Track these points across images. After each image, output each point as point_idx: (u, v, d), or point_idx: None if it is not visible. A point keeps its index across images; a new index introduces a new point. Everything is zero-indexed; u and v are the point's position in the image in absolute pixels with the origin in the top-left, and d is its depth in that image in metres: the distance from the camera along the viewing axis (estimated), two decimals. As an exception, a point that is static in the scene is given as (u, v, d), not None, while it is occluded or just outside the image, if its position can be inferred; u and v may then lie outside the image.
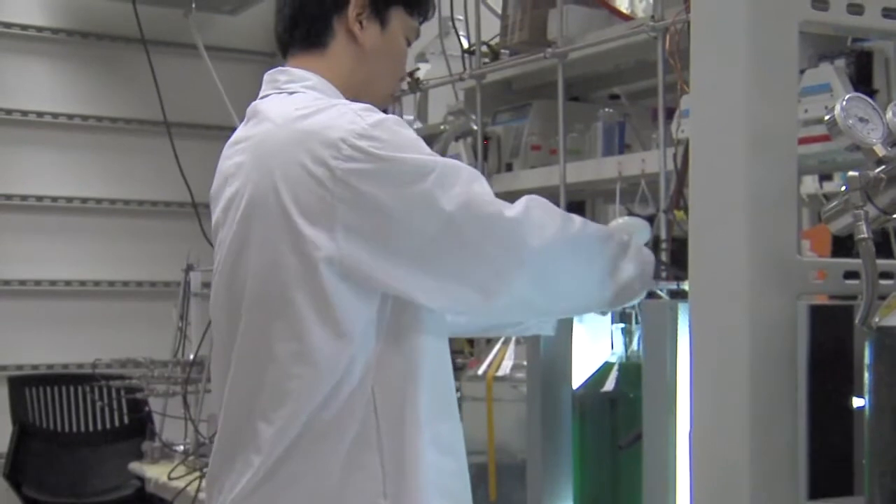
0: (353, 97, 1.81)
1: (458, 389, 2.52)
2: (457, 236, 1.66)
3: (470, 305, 1.74)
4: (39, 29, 4.64)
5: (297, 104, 1.74)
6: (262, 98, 1.83)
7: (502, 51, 2.80)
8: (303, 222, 1.63)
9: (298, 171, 1.64)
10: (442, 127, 3.05)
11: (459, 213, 1.65)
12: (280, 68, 1.86)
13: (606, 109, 2.62)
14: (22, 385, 4.54)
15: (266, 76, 1.86)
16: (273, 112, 1.75)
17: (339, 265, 1.62)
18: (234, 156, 1.79)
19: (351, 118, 1.66)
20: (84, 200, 4.71)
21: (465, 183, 1.67)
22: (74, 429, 4.59)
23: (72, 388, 4.53)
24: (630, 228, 1.94)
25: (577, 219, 1.79)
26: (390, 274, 1.64)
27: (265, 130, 1.73)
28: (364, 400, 1.65)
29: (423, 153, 1.67)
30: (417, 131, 3.41)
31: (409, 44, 1.91)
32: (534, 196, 1.76)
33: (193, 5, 4.30)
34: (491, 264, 1.69)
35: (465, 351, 2.77)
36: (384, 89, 1.91)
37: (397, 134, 1.67)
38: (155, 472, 3.44)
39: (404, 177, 1.63)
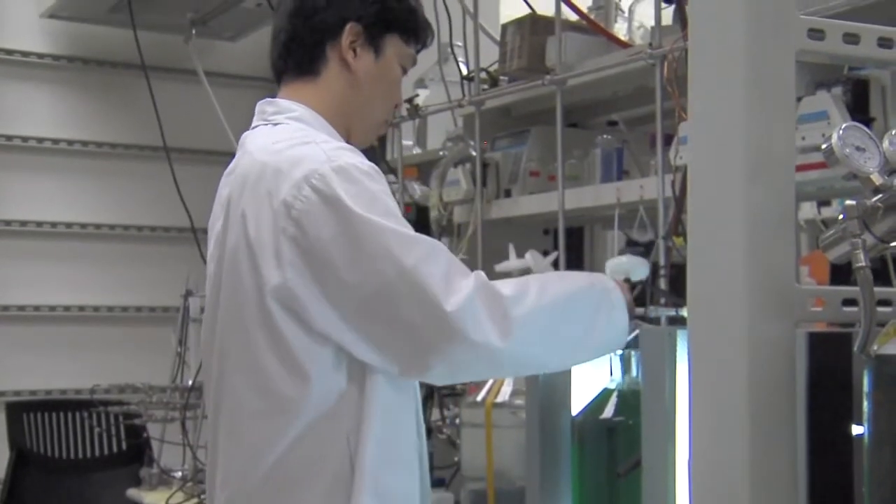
0: (346, 125, 1.83)
1: (447, 419, 2.51)
2: (388, 305, 1.61)
3: (393, 373, 1.68)
4: (40, 55, 4.65)
5: (277, 138, 1.76)
6: (251, 128, 1.85)
7: (501, 77, 2.81)
8: (260, 256, 1.65)
9: (263, 205, 1.66)
10: (441, 153, 3.06)
11: (398, 283, 1.60)
12: (268, 99, 1.87)
13: (605, 136, 2.63)
14: (20, 411, 4.52)
15: (257, 106, 1.87)
16: (254, 145, 1.78)
17: (288, 302, 1.63)
18: (225, 187, 1.81)
19: (320, 159, 1.66)
20: (83, 226, 4.71)
21: (415, 257, 1.61)
22: (72, 455, 4.57)
23: (70, 414, 4.52)
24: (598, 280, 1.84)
25: (527, 297, 1.67)
26: (327, 318, 1.63)
27: (245, 164, 1.76)
28: (323, 443, 1.65)
29: (377, 213, 1.63)
30: (416, 157, 3.44)
31: (404, 71, 1.91)
32: (482, 282, 1.64)
33: (193, 32, 4.32)
34: (415, 344, 1.62)
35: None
36: (378, 116, 1.90)
37: (358, 184, 1.64)
38: (153, 499, 3.42)
39: (351, 231, 1.62)
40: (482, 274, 1.64)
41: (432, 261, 1.61)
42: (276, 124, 1.81)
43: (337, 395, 1.66)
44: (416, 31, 1.89)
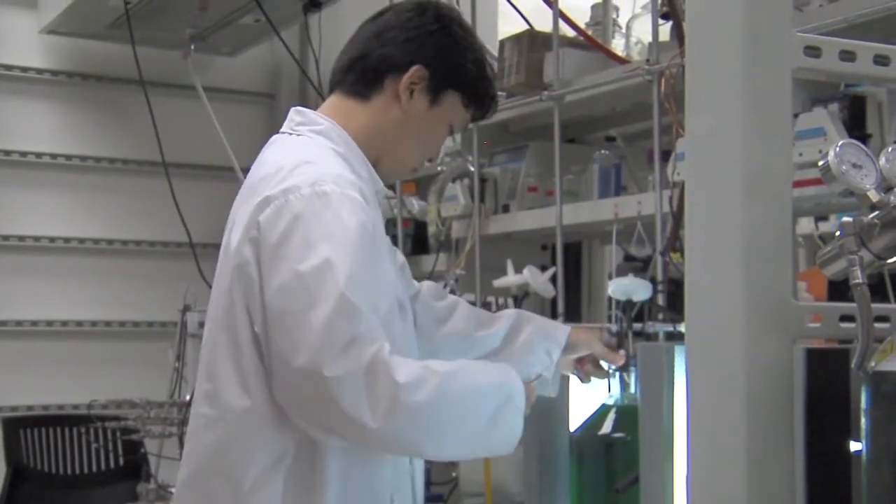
0: (377, 156, 1.83)
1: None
2: (284, 340, 1.59)
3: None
4: (39, 71, 4.66)
5: (287, 152, 1.77)
6: (278, 134, 1.85)
7: (499, 93, 2.81)
8: (231, 258, 1.68)
9: (248, 212, 1.68)
10: (439, 168, 3.07)
11: (300, 324, 1.57)
12: (299, 108, 1.88)
13: (603, 151, 2.64)
14: (17, 426, 4.51)
15: (289, 113, 1.88)
16: (266, 156, 1.79)
17: (248, 306, 1.65)
18: (236, 200, 1.82)
19: (310, 180, 1.66)
20: (81, 241, 4.71)
21: (331, 308, 1.56)
22: (69, 470, 4.55)
23: (67, 430, 4.50)
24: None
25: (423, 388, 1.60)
26: (258, 322, 1.64)
27: (251, 174, 1.77)
28: (272, 485, 1.64)
29: (331, 245, 1.59)
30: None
31: (451, 132, 1.90)
32: (380, 359, 1.57)
33: (192, 47, 4.32)
34: (291, 390, 1.60)
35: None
36: (409, 161, 1.89)
37: (330, 210, 1.62)
38: (150, 515, 3.41)
39: (293, 253, 1.60)
40: (385, 351, 1.57)
41: (343, 323, 1.56)
42: (298, 135, 1.82)
43: (279, 435, 1.65)
44: (479, 98, 1.88)
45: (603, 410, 1.95)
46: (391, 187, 3.19)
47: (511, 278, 2.41)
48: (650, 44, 2.29)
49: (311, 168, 1.69)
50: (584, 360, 1.96)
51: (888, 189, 1.17)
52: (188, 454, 1.74)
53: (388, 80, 1.81)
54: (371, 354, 1.55)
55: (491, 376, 1.71)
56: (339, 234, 1.61)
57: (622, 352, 1.92)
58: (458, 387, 1.65)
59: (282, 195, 1.65)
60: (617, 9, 2.79)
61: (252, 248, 1.65)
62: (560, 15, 2.52)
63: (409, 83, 1.80)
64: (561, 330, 1.96)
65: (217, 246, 1.78)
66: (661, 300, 2.05)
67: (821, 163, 1.19)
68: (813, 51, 1.28)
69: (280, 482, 1.65)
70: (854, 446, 1.21)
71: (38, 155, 4.63)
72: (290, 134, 1.82)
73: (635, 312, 1.97)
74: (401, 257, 1.94)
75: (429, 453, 1.72)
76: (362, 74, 1.83)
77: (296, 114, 1.85)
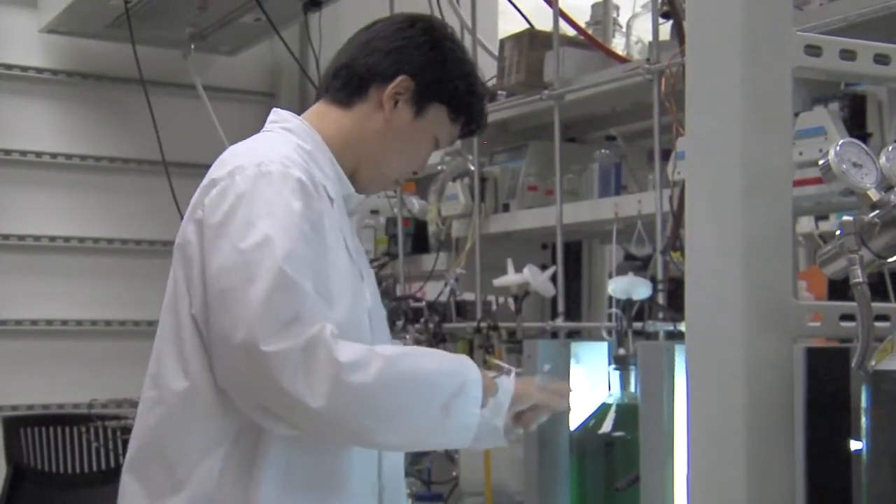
0: (355, 164, 1.82)
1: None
2: (223, 316, 1.58)
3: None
4: (39, 70, 4.65)
5: (248, 141, 1.78)
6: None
7: (499, 92, 2.82)
8: (189, 232, 1.67)
9: (204, 184, 1.70)
10: (439, 167, 3.07)
11: (241, 298, 1.55)
12: (276, 108, 1.88)
13: (603, 150, 2.64)
14: (17, 425, 4.51)
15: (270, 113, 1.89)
16: (230, 147, 1.79)
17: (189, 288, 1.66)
18: None
19: (257, 160, 1.66)
20: (82, 240, 4.71)
21: (270, 283, 1.54)
22: (70, 470, 4.55)
23: (67, 429, 4.50)
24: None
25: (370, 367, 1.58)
26: (197, 301, 1.64)
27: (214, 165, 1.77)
28: (211, 473, 1.63)
29: (273, 222, 1.58)
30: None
31: (437, 145, 1.88)
32: (322, 338, 1.55)
33: (192, 46, 4.33)
34: (228, 368, 1.59)
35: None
36: (389, 172, 1.87)
37: (272, 188, 1.61)
38: (150, 514, 3.40)
39: (234, 232, 1.60)
40: (327, 331, 1.55)
41: (283, 299, 1.54)
42: (267, 132, 1.83)
43: (218, 420, 1.64)
44: (466, 112, 1.87)
45: (603, 409, 1.96)
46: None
47: (511, 277, 2.41)
48: (650, 43, 2.29)
49: (261, 151, 1.69)
50: (522, 412, 1.79)
51: (888, 188, 1.17)
52: (132, 438, 1.74)
53: (373, 88, 1.81)
54: (312, 333, 1.53)
55: (442, 363, 1.68)
56: (280, 212, 1.60)
57: (562, 389, 1.81)
58: (404, 370, 1.61)
59: (228, 176, 1.65)
60: (617, 8, 2.79)
61: (195, 228, 1.65)
62: (560, 14, 2.52)
63: (394, 93, 1.80)
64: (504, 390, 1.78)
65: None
66: (661, 299, 2.05)
67: (821, 162, 1.19)
68: (813, 50, 1.28)
69: (217, 468, 1.62)
70: (854, 445, 1.21)
71: (39, 154, 4.63)
72: (264, 132, 1.83)
73: (635, 311, 1.97)
74: (369, 270, 1.88)
75: (378, 440, 1.65)
76: (347, 82, 1.83)
77: (272, 114, 1.86)
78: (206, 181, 1.69)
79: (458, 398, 1.63)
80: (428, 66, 1.81)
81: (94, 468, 4.59)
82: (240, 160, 1.67)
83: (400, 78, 1.79)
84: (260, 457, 1.63)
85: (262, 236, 1.57)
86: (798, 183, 1.73)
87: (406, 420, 1.63)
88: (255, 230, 1.58)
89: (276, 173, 1.63)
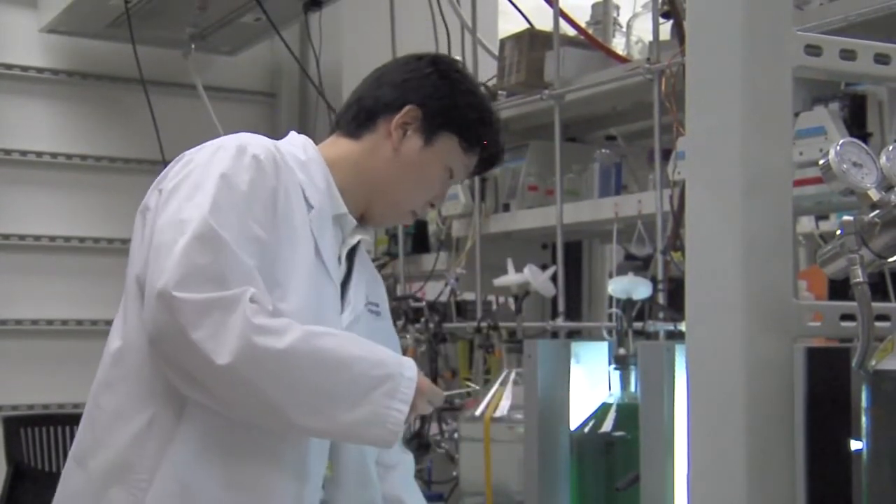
0: (368, 197, 1.84)
1: (446, 433, 2.49)
2: (155, 263, 1.59)
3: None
4: (39, 70, 4.65)
5: None
6: None
7: (499, 92, 2.82)
8: (150, 200, 1.71)
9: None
10: (439, 167, 3.06)
11: (169, 247, 1.57)
12: (291, 132, 1.90)
13: (603, 150, 2.64)
14: (17, 425, 4.51)
15: None
16: None
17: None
18: None
19: (222, 139, 1.72)
20: (82, 239, 4.71)
21: (195, 236, 1.56)
22: (70, 469, 4.56)
23: (68, 429, 4.50)
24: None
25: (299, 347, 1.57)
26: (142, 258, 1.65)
27: None
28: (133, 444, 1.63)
29: (208, 191, 1.60)
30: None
31: (451, 175, 1.89)
32: (240, 298, 1.55)
33: (192, 46, 4.33)
34: (147, 307, 1.59)
35: (464, 390, 2.77)
36: (403, 203, 1.88)
37: (235, 160, 1.65)
38: (150, 514, 3.40)
39: (182, 194, 1.63)
40: (249, 294, 1.55)
41: (206, 252, 1.55)
42: None
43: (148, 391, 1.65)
44: (477, 141, 1.88)
45: (603, 409, 1.96)
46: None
47: (511, 277, 2.41)
48: (651, 43, 2.29)
49: (240, 135, 1.74)
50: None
51: (889, 188, 1.17)
52: None
53: (381, 120, 1.84)
54: (233, 293, 1.53)
55: (368, 351, 1.64)
56: (228, 176, 1.63)
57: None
58: (322, 347, 1.59)
59: (195, 151, 1.71)
60: (617, 8, 2.80)
61: (157, 196, 1.69)
62: (561, 14, 2.52)
63: (402, 122, 1.83)
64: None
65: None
66: (661, 299, 2.05)
67: (821, 161, 1.19)
68: (813, 49, 1.28)
69: (137, 431, 1.62)
70: (855, 445, 1.21)
71: (39, 154, 4.63)
72: None
73: (636, 311, 1.97)
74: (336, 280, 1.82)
75: (290, 416, 1.58)
76: (357, 115, 1.86)
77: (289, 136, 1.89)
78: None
79: (380, 388, 1.60)
80: (435, 94, 1.84)
81: (95, 468, 4.58)
82: (212, 142, 1.73)
83: (408, 108, 1.82)
84: (182, 421, 1.62)
85: (204, 197, 1.60)
86: (798, 183, 1.73)
87: (318, 398, 1.58)
88: (200, 192, 1.61)
89: (232, 147, 1.67)
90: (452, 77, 1.88)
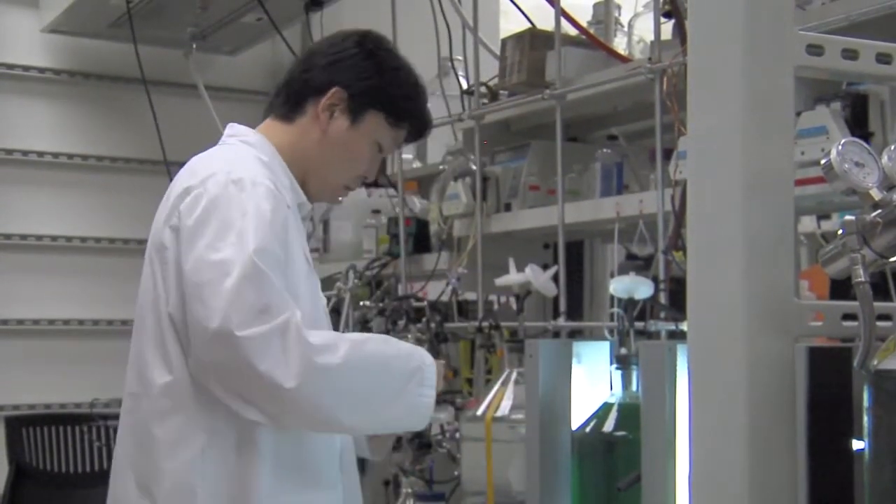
0: (302, 175, 1.94)
1: (447, 433, 2.50)
2: (199, 306, 1.67)
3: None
4: (41, 70, 4.66)
5: (211, 153, 1.90)
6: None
7: (501, 92, 2.82)
8: (165, 238, 1.77)
9: (171, 199, 1.81)
10: (441, 167, 3.07)
11: (215, 288, 1.65)
12: (232, 124, 2.00)
13: (604, 150, 2.64)
14: (19, 425, 4.51)
15: (225, 128, 2.00)
16: (192, 160, 1.90)
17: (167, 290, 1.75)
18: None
19: (225, 169, 1.77)
20: (83, 239, 4.71)
21: (240, 276, 1.65)
22: (72, 469, 4.56)
23: (69, 428, 4.51)
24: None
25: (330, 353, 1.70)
26: (172, 298, 1.73)
27: (179, 175, 1.88)
28: (194, 464, 1.73)
29: (245, 224, 1.68)
30: (416, 171, 3.45)
31: (380, 149, 1.98)
32: (292, 324, 1.66)
33: (193, 46, 4.33)
34: (199, 354, 1.68)
35: (464, 391, 2.77)
36: (335, 179, 1.97)
37: (244, 193, 1.72)
38: (152, 513, 3.40)
39: (206, 226, 1.71)
40: (297, 317, 1.66)
41: (254, 288, 1.65)
42: (225, 145, 1.94)
43: (195, 412, 1.74)
44: (404, 117, 1.96)
45: (605, 409, 1.95)
46: (392, 186, 3.20)
47: (513, 277, 2.41)
48: (652, 42, 2.29)
49: (229, 163, 1.81)
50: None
51: (890, 187, 1.17)
52: (122, 434, 1.85)
53: (309, 102, 1.93)
54: (283, 318, 1.64)
55: (398, 348, 1.83)
56: (252, 212, 1.71)
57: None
58: (367, 353, 1.75)
59: (200, 184, 1.76)
60: (619, 7, 2.79)
61: (172, 234, 1.75)
62: (562, 13, 2.52)
63: (328, 104, 1.91)
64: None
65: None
66: (662, 299, 2.05)
67: (823, 161, 1.19)
68: (815, 49, 1.28)
69: (197, 458, 1.73)
70: (856, 445, 1.21)
71: (40, 154, 4.63)
72: (222, 145, 1.95)
73: (637, 311, 1.97)
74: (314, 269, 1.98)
75: (343, 421, 1.74)
76: (287, 99, 1.95)
77: (229, 128, 1.98)
78: (178, 190, 1.80)
79: (413, 378, 1.78)
80: (360, 74, 1.92)
81: (96, 467, 4.59)
82: (211, 169, 1.79)
83: (333, 90, 1.91)
84: (248, 446, 1.73)
85: (235, 234, 1.68)
86: (800, 182, 1.73)
87: (367, 401, 1.74)
88: (229, 229, 1.69)
89: (246, 179, 1.75)
90: (377, 55, 1.95)
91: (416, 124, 1.99)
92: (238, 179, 1.74)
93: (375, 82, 1.92)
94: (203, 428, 1.74)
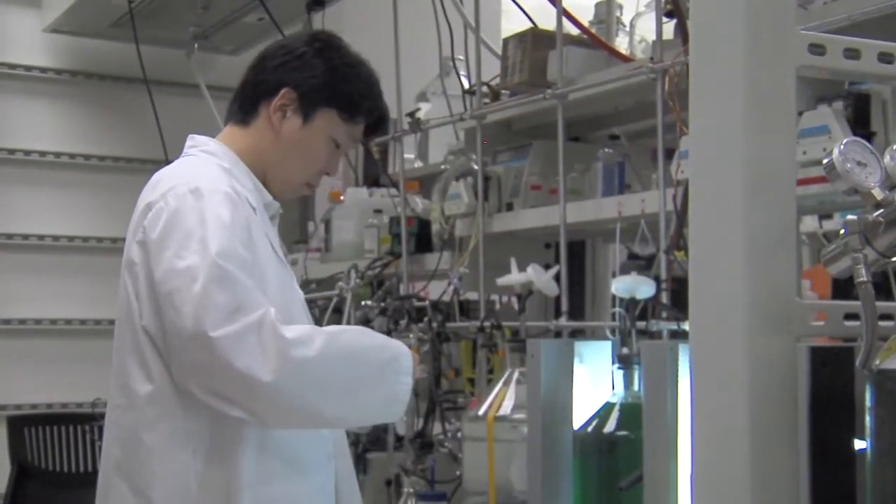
0: (263, 176, 1.98)
1: (449, 433, 2.51)
2: (172, 311, 1.72)
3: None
4: (43, 70, 4.66)
5: (173, 166, 1.94)
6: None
7: (502, 91, 2.82)
8: (133, 254, 1.83)
9: (136, 215, 1.86)
10: (442, 167, 3.07)
11: (185, 295, 1.70)
12: (192, 135, 2.03)
13: (606, 150, 2.64)
14: (21, 425, 4.52)
15: (186, 139, 2.04)
16: (156, 174, 1.93)
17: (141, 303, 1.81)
18: None
19: (185, 180, 1.82)
20: (85, 239, 4.72)
21: (207, 278, 1.69)
22: (73, 469, 4.56)
23: (71, 428, 4.51)
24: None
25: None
26: (147, 311, 1.79)
27: (144, 191, 1.91)
28: (183, 457, 1.78)
29: (206, 229, 1.73)
30: (418, 171, 3.45)
31: (337, 145, 2.01)
32: (266, 320, 1.70)
33: (195, 46, 4.34)
34: (179, 358, 1.74)
35: (466, 390, 2.77)
36: (295, 177, 2.02)
37: (202, 201, 1.77)
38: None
39: (172, 235, 1.76)
40: (271, 313, 1.70)
41: (222, 289, 1.69)
42: (189, 156, 1.97)
43: (181, 411, 1.79)
44: (357, 112, 2.00)
45: (606, 409, 1.95)
46: (394, 186, 3.20)
47: (514, 276, 2.41)
48: (654, 42, 2.29)
49: (188, 174, 1.86)
50: None
51: (892, 187, 1.17)
52: (108, 444, 1.89)
53: (262, 105, 1.97)
54: (257, 316, 1.68)
55: (373, 338, 1.88)
56: (211, 219, 1.75)
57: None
58: (342, 344, 1.79)
59: (161, 198, 1.81)
60: (621, 7, 2.79)
61: (139, 250, 1.81)
62: (564, 13, 2.52)
63: (280, 105, 1.96)
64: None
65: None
66: (664, 298, 2.05)
67: (825, 161, 1.19)
68: (817, 48, 1.27)
69: (189, 461, 1.77)
70: (858, 444, 1.20)
71: (42, 154, 4.64)
72: (184, 157, 1.99)
73: (639, 310, 1.97)
74: (290, 269, 2.05)
75: (324, 412, 1.78)
76: (242, 104, 2.01)
77: (189, 140, 2.02)
78: (141, 205, 1.85)
79: (389, 367, 1.82)
80: (309, 74, 1.96)
81: (98, 467, 4.59)
82: (171, 182, 1.83)
83: (283, 90, 1.95)
84: (232, 444, 1.77)
85: (197, 241, 1.73)
86: (802, 182, 1.73)
87: (345, 391, 1.78)
88: (191, 238, 1.73)
89: (203, 188, 1.79)
90: (326, 53, 1.98)
91: (370, 119, 2.02)
92: (195, 189, 1.79)
93: (324, 80, 1.96)
94: (191, 430, 1.78)
